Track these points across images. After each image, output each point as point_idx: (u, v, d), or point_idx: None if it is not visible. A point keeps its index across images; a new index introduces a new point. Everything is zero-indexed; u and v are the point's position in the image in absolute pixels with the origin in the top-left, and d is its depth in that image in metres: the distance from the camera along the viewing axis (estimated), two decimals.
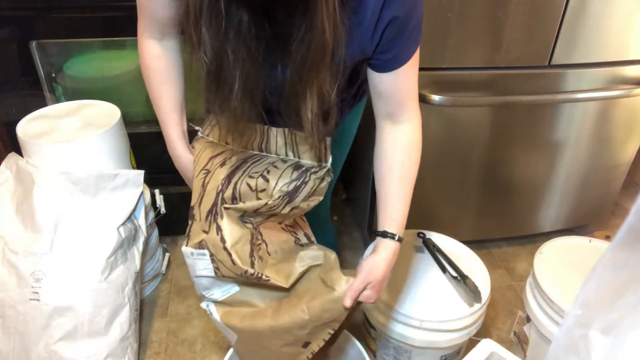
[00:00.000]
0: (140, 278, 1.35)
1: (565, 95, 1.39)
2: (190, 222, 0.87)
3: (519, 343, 1.23)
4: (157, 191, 1.48)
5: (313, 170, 0.82)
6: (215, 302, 0.94)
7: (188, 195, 0.90)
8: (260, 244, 0.89)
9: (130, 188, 1.28)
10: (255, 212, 0.83)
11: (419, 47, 0.77)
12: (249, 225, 0.85)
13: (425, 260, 1.21)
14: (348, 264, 1.66)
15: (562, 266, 1.14)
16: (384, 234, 0.85)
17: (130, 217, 1.29)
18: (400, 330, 1.09)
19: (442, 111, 1.35)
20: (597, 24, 1.29)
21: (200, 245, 0.84)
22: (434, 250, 1.22)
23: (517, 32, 1.26)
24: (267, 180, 0.81)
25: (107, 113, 1.36)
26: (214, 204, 0.84)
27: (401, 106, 0.81)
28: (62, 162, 1.22)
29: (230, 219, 0.82)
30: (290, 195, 0.81)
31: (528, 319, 1.16)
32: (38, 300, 1.14)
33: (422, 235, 1.28)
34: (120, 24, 1.34)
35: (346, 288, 0.81)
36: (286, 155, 0.85)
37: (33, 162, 1.23)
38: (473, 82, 1.33)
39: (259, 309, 0.90)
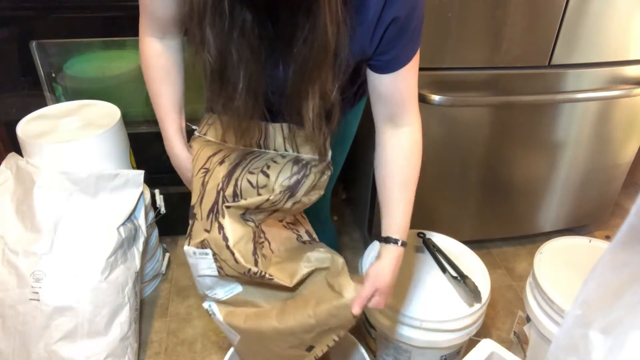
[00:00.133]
0: (140, 278, 1.35)
1: (565, 95, 1.39)
2: (191, 222, 0.87)
3: (519, 343, 1.23)
4: (157, 191, 1.48)
5: (313, 163, 0.82)
6: (218, 301, 0.94)
7: (188, 195, 0.90)
8: (263, 242, 0.89)
9: (130, 188, 1.28)
10: (257, 208, 0.83)
11: (419, 49, 0.77)
12: (251, 224, 0.85)
13: (425, 260, 1.21)
14: (348, 264, 1.65)
15: (562, 266, 1.13)
16: (388, 240, 0.85)
17: (130, 217, 1.29)
18: (400, 330, 1.09)
19: (442, 111, 1.35)
20: (597, 24, 1.29)
21: (203, 244, 0.84)
22: (434, 250, 1.22)
23: (517, 32, 1.26)
24: (267, 176, 0.81)
25: (107, 113, 1.36)
26: (215, 202, 0.84)
27: (401, 108, 0.81)
28: (62, 162, 1.22)
29: (231, 218, 0.82)
30: (291, 190, 0.81)
31: (528, 319, 1.16)
32: (38, 300, 1.14)
33: (422, 235, 1.28)
34: (120, 24, 1.34)
35: (354, 295, 0.81)
36: (285, 150, 0.85)
37: (33, 162, 1.23)
38: (473, 82, 1.33)
39: (262, 309, 0.90)
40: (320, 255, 0.88)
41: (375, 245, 1.24)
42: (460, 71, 1.31)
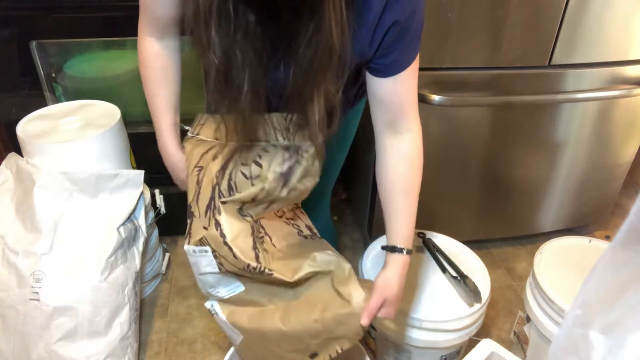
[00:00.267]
0: (140, 278, 1.35)
1: (565, 95, 1.39)
2: (189, 221, 0.87)
3: (519, 343, 1.23)
4: (157, 191, 1.48)
5: (304, 148, 0.82)
6: (221, 300, 0.94)
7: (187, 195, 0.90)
8: (263, 236, 0.88)
9: (130, 188, 1.28)
10: (254, 200, 0.83)
11: (418, 54, 0.77)
12: (248, 219, 0.85)
13: (425, 260, 1.21)
14: None
15: (562, 266, 1.13)
16: (393, 249, 0.86)
17: (130, 217, 1.29)
18: (400, 330, 1.09)
19: (442, 111, 1.35)
20: (597, 24, 1.29)
21: (202, 242, 0.84)
22: (434, 250, 1.22)
23: (517, 32, 1.26)
24: (260, 166, 0.81)
25: (107, 113, 1.36)
26: (212, 198, 0.84)
27: (401, 114, 0.80)
28: (62, 162, 1.22)
29: (228, 214, 0.82)
30: (285, 177, 0.81)
31: (528, 319, 1.16)
32: (38, 300, 1.14)
33: (422, 235, 1.28)
34: (120, 24, 1.33)
35: (362, 304, 0.81)
36: (276, 139, 0.85)
37: (33, 162, 1.23)
38: (473, 82, 1.33)
39: (266, 309, 0.90)
40: (327, 258, 0.87)
41: (375, 245, 1.24)
42: (460, 71, 1.31)
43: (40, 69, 1.43)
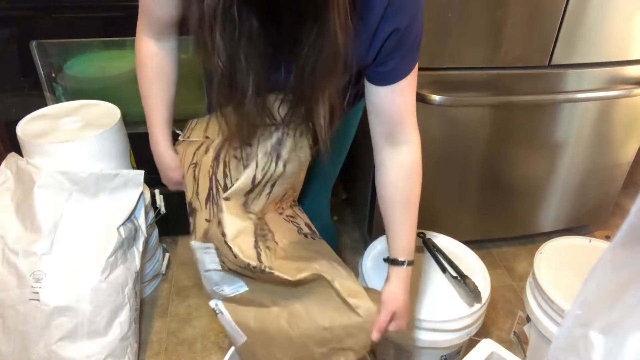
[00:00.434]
0: (140, 278, 1.35)
1: (565, 95, 1.39)
2: (192, 217, 0.88)
3: (519, 343, 1.23)
4: (157, 191, 1.48)
5: (290, 121, 0.80)
6: (225, 299, 0.94)
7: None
8: (266, 233, 0.88)
9: (130, 188, 1.28)
10: (255, 186, 0.82)
11: (417, 64, 0.77)
12: (252, 216, 0.85)
13: (425, 260, 1.21)
14: (348, 264, 1.64)
15: (562, 266, 1.13)
16: (395, 262, 0.87)
17: (130, 217, 1.29)
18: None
19: (442, 111, 1.35)
20: (597, 24, 1.29)
21: (207, 237, 0.84)
22: (434, 250, 1.22)
23: (517, 32, 1.26)
24: (249, 145, 0.81)
25: (107, 113, 1.36)
26: (210, 189, 0.84)
27: (399, 125, 0.80)
28: (62, 162, 1.22)
29: (230, 212, 0.82)
30: (276, 150, 0.80)
31: (528, 319, 1.16)
32: (38, 300, 1.14)
33: (422, 235, 1.28)
34: (120, 24, 1.34)
35: (373, 318, 0.81)
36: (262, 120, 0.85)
37: (33, 162, 1.23)
38: (473, 82, 1.33)
39: (270, 310, 0.89)
40: (332, 265, 0.87)
41: (375, 245, 1.24)
42: (460, 71, 1.31)
43: (40, 69, 1.43)
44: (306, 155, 0.84)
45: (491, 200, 1.60)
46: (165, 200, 1.49)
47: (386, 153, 0.83)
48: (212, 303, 0.96)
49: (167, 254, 1.64)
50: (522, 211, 1.65)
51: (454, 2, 1.18)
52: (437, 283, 1.15)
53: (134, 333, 1.27)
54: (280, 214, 0.95)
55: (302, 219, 0.99)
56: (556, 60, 1.33)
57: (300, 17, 0.58)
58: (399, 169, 0.83)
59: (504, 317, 1.47)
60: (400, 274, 0.86)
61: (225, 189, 0.83)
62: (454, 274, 1.15)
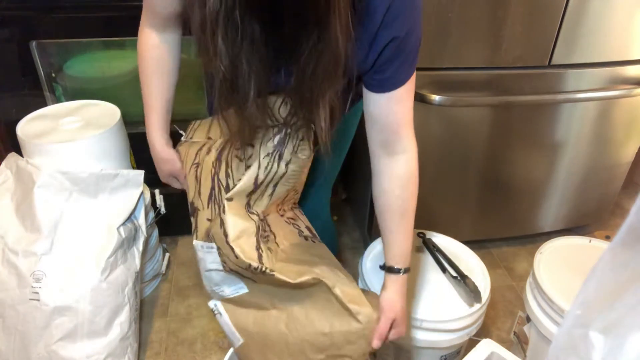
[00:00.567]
0: (140, 278, 1.35)
1: (565, 95, 1.39)
2: (194, 217, 0.88)
3: (519, 343, 1.23)
4: (157, 191, 1.48)
5: (291, 122, 0.81)
6: (224, 300, 0.94)
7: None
8: (268, 235, 0.88)
9: (130, 188, 1.28)
10: (257, 186, 0.82)
11: (414, 73, 0.77)
12: (255, 217, 0.85)
13: (425, 260, 1.21)
14: (348, 264, 1.66)
15: (562, 266, 1.13)
16: (391, 269, 0.87)
17: (130, 217, 1.29)
18: None
19: (442, 111, 1.35)
20: (597, 24, 1.29)
21: (209, 236, 0.84)
22: (434, 250, 1.22)
23: (517, 32, 1.26)
24: (252, 145, 0.82)
25: (107, 113, 1.36)
26: (212, 188, 0.84)
27: (396, 134, 0.80)
28: (62, 162, 1.22)
29: (232, 212, 0.82)
30: (278, 149, 0.81)
31: (528, 319, 1.16)
32: (38, 300, 1.14)
33: (422, 235, 1.28)
34: (120, 24, 1.33)
35: (373, 325, 0.81)
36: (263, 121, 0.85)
37: (33, 162, 1.23)
38: (473, 82, 1.33)
39: (269, 313, 0.89)
40: (334, 270, 0.86)
41: (375, 245, 1.24)
42: (460, 71, 1.31)
43: (40, 69, 1.43)
44: (308, 156, 0.85)
45: (491, 200, 1.60)
46: (165, 200, 1.49)
47: (383, 162, 0.83)
48: (211, 304, 0.95)
49: (167, 254, 1.64)
50: (522, 211, 1.65)
51: (454, 2, 1.18)
52: (437, 283, 1.15)
53: (134, 333, 1.27)
54: (282, 215, 0.95)
55: (303, 221, 0.99)
56: (556, 60, 1.33)
57: (302, 21, 0.58)
58: (396, 179, 0.83)
59: (504, 317, 1.47)
60: (397, 282, 0.87)
61: (228, 189, 0.83)
62: (454, 274, 1.15)
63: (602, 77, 1.39)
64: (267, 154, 0.81)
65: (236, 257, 0.81)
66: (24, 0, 1.31)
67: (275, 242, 0.89)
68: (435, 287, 1.14)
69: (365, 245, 1.59)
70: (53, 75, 1.49)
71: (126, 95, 1.56)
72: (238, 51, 0.61)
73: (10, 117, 1.34)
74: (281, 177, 0.84)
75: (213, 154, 0.87)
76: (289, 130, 0.81)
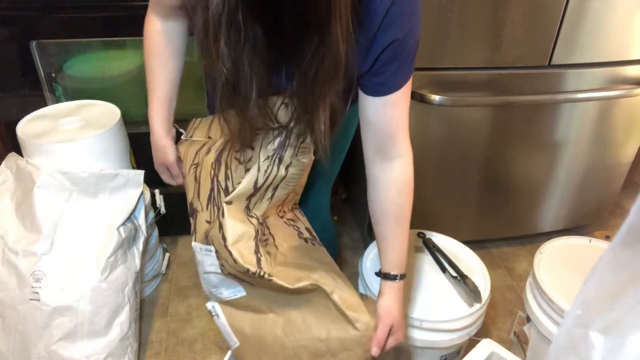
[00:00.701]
0: (140, 278, 1.35)
1: (565, 95, 1.39)
2: (193, 218, 0.88)
3: (519, 343, 1.23)
4: (157, 191, 1.48)
5: (292, 125, 0.81)
6: (222, 302, 0.93)
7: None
8: (267, 238, 0.88)
9: (130, 188, 1.28)
10: (257, 190, 0.82)
11: (411, 78, 0.77)
12: (254, 220, 0.85)
13: (425, 260, 1.21)
14: (348, 264, 1.66)
15: (562, 266, 1.13)
16: (387, 276, 0.87)
17: (130, 217, 1.29)
18: None
19: (442, 111, 1.35)
20: (597, 24, 1.29)
21: (207, 239, 0.84)
22: (434, 250, 1.22)
23: (517, 32, 1.26)
24: (252, 148, 0.81)
25: (107, 113, 1.36)
26: (211, 190, 0.84)
27: (391, 138, 0.80)
28: (62, 162, 1.22)
29: (231, 216, 0.82)
30: (278, 153, 0.81)
31: (528, 319, 1.16)
32: (38, 300, 1.14)
33: (422, 235, 1.28)
34: (120, 24, 1.34)
35: (371, 333, 0.81)
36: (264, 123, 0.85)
37: (33, 162, 1.23)
38: (473, 82, 1.33)
39: (267, 316, 0.89)
40: (332, 276, 0.86)
41: (375, 245, 1.24)
42: (460, 71, 1.31)
43: (40, 69, 1.43)
44: (308, 159, 0.84)
45: (491, 201, 1.60)
46: (165, 200, 1.49)
47: (378, 167, 0.83)
48: (209, 305, 0.95)
49: (167, 254, 1.64)
50: (522, 211, 1.65)
51: (454, 2, 1.18)
52: (437, 283, 1.15)
53: (134, 333, 1.27)
54: (281, 217, 0.95)
55: (303, 222, 0.99)
56: (556, 60, 1.33)
57: (303, 25, 0.59)
58: (391, 184, 0.83)
59: (504, 317, 1.47)
60: (393, 288, 0.87)
61: (227, 191, 0.83)
62: (453, 274, 1.15)
63: (602, 77, 1.39)
64: (267, 157, 0.81)
65: (234, 261, 0.80)
66: (24, 0, 1.31)
67: (275, 245, 0.89)
68: (435, 287, 1.14)
69: (365, 245, 1.59)
70: (53, 75, 1.49)
71: (126, 95, 1.56)
72: (240, 53, 0.61)
73: (10, 117, 1.34)
74: (281, 181, 0.84)
75: (212, 155, 0.86)
76: (289, 133, 0.80)
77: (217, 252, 0.83)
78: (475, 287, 1.10)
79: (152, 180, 1.40)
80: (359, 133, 1.11)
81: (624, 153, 1.58)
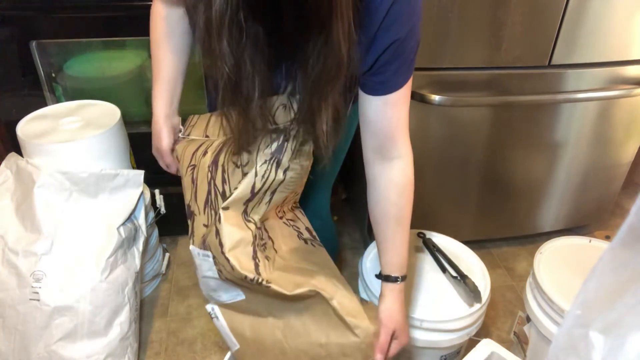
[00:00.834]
0: (140, 278, 1.35)
1: (565, 95, 1.39)
2: (190, 221, 0.87)
3: (519, 343, 1.23)
4: (157, 191, 1.48)
5: (291, 128, 0.80)
6: (222, 305, 0.93)
7: None
8: (265, 242, 0.88)
9: (130, 188, 1.28)
10: (255, 194, 0.81)
11: (411, 78, 0.76)
12: (252, 225, 0.84)
13: (425, 260, 1.21)
14: (348, 264, 1.66)
15: (562, 266, 1.13)
16: (388, 278, 0.86)
17: (130, 217, 1.29)
18: None
19: (442, 111, 1.35)
20: (597, 24, 1.29)
21: (205, 245, 0.84)
22: (434, 250, 1.22)
23: (517, 32, 1.26)
24: (249, 152, 0.80)
25: (107, 113, 1.36)
26: (208, 193, 0.83)
27: (390, 139, 0.79)
28: (62, 162, 1.22)
29: (228, 222, 0.81)
30: (276, 156, 0.79)
31: (528, 319, 1.16)
32: (38, 300, 1.14)
33: (422, 235, 1.28)
34: (120, 24, 1.34)
35: (371, 338, 0.80)
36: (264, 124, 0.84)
37: (33, 162, 1.23)
38: (473, 82, 1.33)
39: (266, 320, 0.89)
40: (333, 282, 0.85)
41: (375, 245, 1.24)
42: (460, 71, 1.31)
43: (40, 69, 1.43)
44: (307, 163, 0.84)
45: (491, 201, 1.60)
46: (165, 200, 1.49)
47: (378, 168, 0.82)
48: (209, 307, 0.95)
49: (167, 254, 1.64)
50: (522, 211, 1.65)
51: (454, 2, 1.18)
52: (437, 283, 1.15)
53: (134, 333, 1.27)
54: (281, 217, 0.94)
55: (303, 222, 0.98)
56: (556, 60, 1.33)
57: (305, 26, 0.58)
58: (390, 185, 0.82)
59: (504, 317, 1.47)
60: (395, 290, 0.86)
61: (224, 195, 0.82)
62: (453, 273, 1.15)
63: (602, 77, 1.39)
64: (265, 162, 0.80)
65: (232, 268, 0.79)
66: (24, 0, 1.31)
67: (274, 249, 0.88)
68: (435, 287, 1.14)
69: (365, 245, 1.59)
70: (53, 75, 1.49)
71: (126, 95, 1.56)
72: (242, 52, 0.61)
73: (10, 117, 1.34)
74: (279, 185, 0.83)
75: (209, 157, 0.85)
76: (288, 136, 0.80)
77: (214, 257, 0.83)
78: (475, 287, 1.10)
79: (152, 180, 1.41)
80: (359, 133, 1.11)
81: (624, 153, 1.58)
